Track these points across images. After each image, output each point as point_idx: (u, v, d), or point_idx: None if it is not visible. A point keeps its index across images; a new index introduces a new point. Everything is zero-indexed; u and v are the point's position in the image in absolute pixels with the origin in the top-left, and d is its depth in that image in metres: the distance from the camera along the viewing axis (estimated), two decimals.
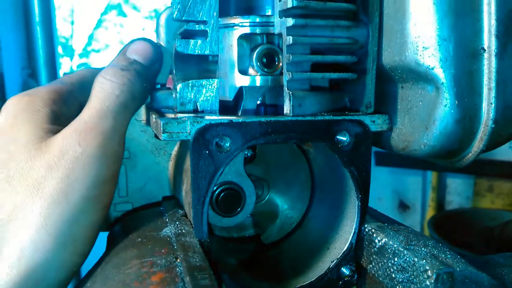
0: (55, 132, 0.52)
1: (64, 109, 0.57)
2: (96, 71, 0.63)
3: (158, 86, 0.64)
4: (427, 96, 0.50)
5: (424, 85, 0.50)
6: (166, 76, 0.65)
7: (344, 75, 0.54)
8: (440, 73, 0.47)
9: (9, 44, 2.09)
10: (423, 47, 0.47)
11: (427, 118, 0.50)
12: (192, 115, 0.54)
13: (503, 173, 1.95)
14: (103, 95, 0.53)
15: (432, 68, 0.47)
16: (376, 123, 0.55)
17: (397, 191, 2.36)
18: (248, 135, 0.50)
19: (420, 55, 0.48)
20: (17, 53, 2.09)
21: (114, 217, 0.67)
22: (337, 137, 0.53)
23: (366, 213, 0.55)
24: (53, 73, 2.08)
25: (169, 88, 0.62)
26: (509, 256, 0.70)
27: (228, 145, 0.49)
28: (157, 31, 0.66)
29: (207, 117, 0.51)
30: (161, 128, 0.49)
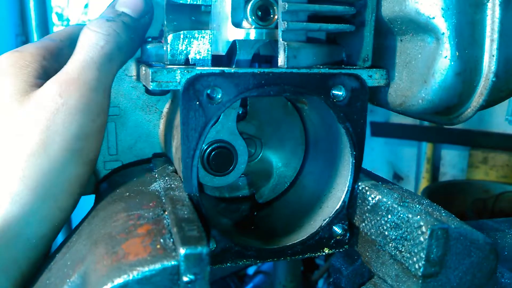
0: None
1: (54, 64, 0.55)
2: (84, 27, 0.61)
3: (150, 39, 0.62)
4: (426, 48, 0.48)
5: (424, 36, 0.48)
6: (158, 30, 0.63)
7: (342, 26, 0.51)
8: (441, 22, 0.45)
9: (3, 11, 2.05)
10: None
11: (426, 71, 0.48)
12: (183, 67, 0.52)
13: (497, 145, 1.94)
14: (87, 46, 0.51)
15: (433, 18, 0.45)
16: (373, 77, 0.53)
17: (392, 162, 2.35)
18: (240, 87, 0.48)
19: (421, 4, 0.46)
20: (11, 20, 2.05)
21: (103, 175, 0.65)
22: (333, 91, 0.51)
23: (360, 171, 0.54)
24: None
25: (160, 42, 0.60)
26: (502, 221, 0.70)
27: (219, 96, 0.47)
28: None
29: (198, 68, 0.49)
30: (150, 77, 0.47)
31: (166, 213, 0.43)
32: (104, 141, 0.64)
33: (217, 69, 0.47)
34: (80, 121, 0.48)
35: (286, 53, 0.49)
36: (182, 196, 0.46)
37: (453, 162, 2.19)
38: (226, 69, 0.47)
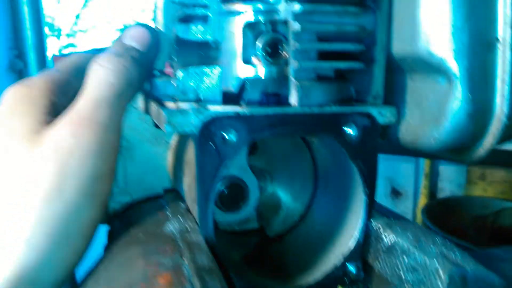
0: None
1: (62, 98, 0.55)
2: (89, 56, 0.61)
3: (156, 72, 0.62)
4: (438, 88, 0.48)
5: (435, 76, 0.48)
6: (164, 62, 0.63)
7: (352, 64, 0.52)
8: (453, 64, 0.46)
9: None
10: (436, 37, 0.46)
11: (438, 112, 0.49)
12: (194, 104, 0.52)
13: (495, 161, 1.95)
14: (97, 83, 0.51)
15: (445, 59, 0.46)
16: (384, 115, 0.53)
17: (390, 177, 2.37)
18: (254, 128, 0.48)
19: (433, 45, 0.46)
20: (3, 33, 2.04)
21: (112, 207, 0.65)
22: (344, 129, 0.51)
23: (372, 208, 0.54)
24: (41, 54, 2.03)
25: (168, 75, 0.60)
26: (509, 250, 0.70)
27: (234, 138, 0.47)
28: (154, 14, 0.64)
29: (211, 107, 0.49)
30: (165, 120, 0.47)
31: (184, 259, 0.43)
32: None
33: (230, 111, 0.47)
34: (94, 163, 0.48)
35: (298, 92, 0.50)
36: (198, 239, 0.46)
37: (451, 178, 2.21)
38: (239, 110, 0.48)
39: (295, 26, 0.48)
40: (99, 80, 0.51)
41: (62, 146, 0.47)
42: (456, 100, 0.47)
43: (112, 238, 0.55)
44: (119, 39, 0.57)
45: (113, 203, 0.64)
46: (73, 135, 0.48)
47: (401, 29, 0.49)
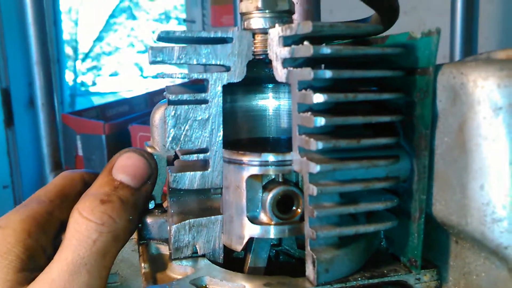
0: (26, 283, 0.42)
1: (42, 238, 0.47)
2: (77, 176, 0.53)
3: (152, 203, 0.53)
4: (493, 270, 0.38)
5: (491, 258, 0.38)
6: (161, 187, 0.54)
7: (384, 227, 0.42)
8: None
9: (16, 60, 2.02)
10: (494, 219, 0.36)
11: None
12: (190, 262, 0.44)
13: None
14: (76, 240, 0.43)
15: (505, 248, 0.36)
16: (421, 280, 0.43)
17: None
18: None
19: (489, 228, 0.36)
20: (23, 69, 2.01)
21: None
22: None
23: None
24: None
25: (163, 209, 0.51)
26: None
27: None
28: (151, 132, 0.55)
29: (208, 282, 0.40)
30: None
31: None
32: None
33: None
34: None
35: (316, 267, 0.40)
36: None
37: None
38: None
39: (312, 188, 0.39)
40: (78, 236, 0.43)
41: None
42: None
43: None
44: (107, 169, 0.49)
45: None
46: None
47: (446, 194, 0.39)
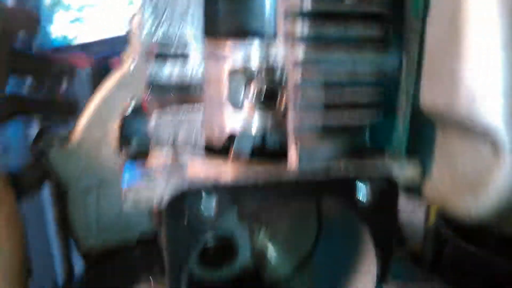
0: None
1: None
2: None
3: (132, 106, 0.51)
4: (479, 154, 0.37)
5: (476, 140, 0.37)
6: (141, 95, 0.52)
7: (368, 117, 0.41)
8: (502, 133, 0.35)
9: None
10: (482, 98, 0.34)
11: (477, 182, 0.38)
12: (170, 160, 0.43)
13: None
14: None
15: (492, 126, 0.35)
16: (405, 174, 0.43)
17: None
18: (239, 200, 0.38)
19: (477, 107, 0.35)
20: None
21: (84, 252, 0.56)
22: (356, 193, 0.41)
23: (387, 276, 0.45)
24: None
25: (143, 111, 0.50)
26: None
27: (212, 212, 0.38)
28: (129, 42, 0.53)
29: (189, 165, 0.39)
30: (124, 189, 0.37)
31: None
32: (82, 216, 0.55)
33: (209, 181, 0.37)
34: None
35: (298, 152, 0.39)
36: None
37: None
38: (221, 180, 0.38)
39: (296, 76, 0.37)
40: None
41: None
42: (503, 174, 0.36)
43: None
44: None
45: (85, 247, 0.56)
46: None
47: (434, 81, 0.38)
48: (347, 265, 0.48)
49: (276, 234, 0.55)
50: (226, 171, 0.39)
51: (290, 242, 0.55)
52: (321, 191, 0.40)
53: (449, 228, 1.53)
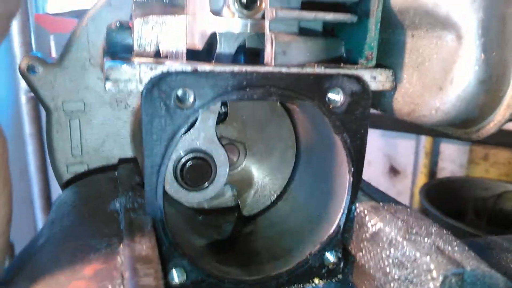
0: None
1: None
2: None
3: (118, 24, 0.53)
4: (444, 47, 0.40)
5: (441, 33, 0.39)
6: (127, 13, 0.54)
7: (342, 16, 0.43)
8: (463, 17, 0.37)
9: None
10: None
11: (443, 76, 0.40)
12: (151, 60, 0.44)
13: (499, 142, 1.87)
14: None
15: (454, 11, 0.37)
16: (377, 79, 0.44)
17: (388, 155, 2.28)
18: (217, 88, 0.39)
19: None
20: None
21: (66, 179, 0.57)
22: (329, 95, 0.43)
23: (358, 189, 0.46)
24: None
25: (129, 27, 0.51)
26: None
27: (191, 100, 0.39)
28: None
29: (167, 62, 0.40)
30: (105, 74, 0.38)
31: (121, 245, 0.35)
32: (67, 141, 0.56)
33: (188, 66, 0.39)
34: None
35: (274, 48, 0.41)
36: (143, 221, 0.38)
37: (452, 157, 2.12)
38: (199, 66, 0.39)
39: None
40: None
41: None
42: (466, 62, 0.38)
43: (55, 212, 0.47)
44: None
45: (67, 174, 0.57)
46: None
47: None
48: (321, 191, 0.50)
49: (254, 155, 0.56)
50: (205, 65, 0.41)
51: (268, 164, 0.56)
52: (294, 89, 0.41)
53: (433, 205, 1.54)
